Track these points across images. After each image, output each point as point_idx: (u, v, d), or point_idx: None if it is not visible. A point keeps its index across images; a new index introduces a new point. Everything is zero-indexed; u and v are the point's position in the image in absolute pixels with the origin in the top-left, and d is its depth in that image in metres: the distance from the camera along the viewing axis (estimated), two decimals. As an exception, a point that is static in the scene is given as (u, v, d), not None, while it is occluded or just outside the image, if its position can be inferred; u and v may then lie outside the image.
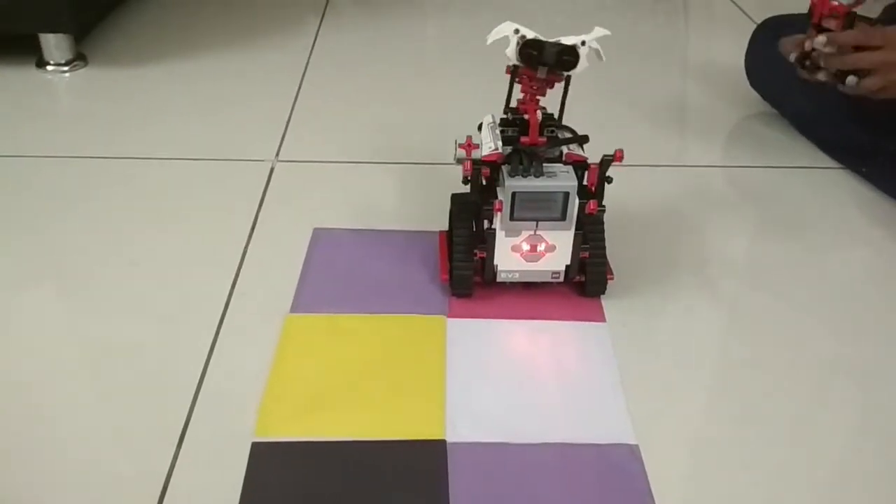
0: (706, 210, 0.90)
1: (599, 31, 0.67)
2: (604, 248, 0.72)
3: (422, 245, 0.82)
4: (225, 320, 0.72)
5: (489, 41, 0.67)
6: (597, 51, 0.67)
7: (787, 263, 0.82)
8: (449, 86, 1.16)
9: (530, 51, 0.66)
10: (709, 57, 1.31)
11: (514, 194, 0.67)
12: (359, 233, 0.84)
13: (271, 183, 0.93)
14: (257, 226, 0.85)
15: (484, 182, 0.71)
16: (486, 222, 0.70)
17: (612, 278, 0.74)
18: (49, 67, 1.19)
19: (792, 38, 0.88)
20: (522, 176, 0.67)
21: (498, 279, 0.73)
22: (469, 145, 0.70)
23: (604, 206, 0.69)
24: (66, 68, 1.20)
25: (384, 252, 0.81)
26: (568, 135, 0.72)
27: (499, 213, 0.68)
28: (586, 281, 0.74)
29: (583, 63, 0.67)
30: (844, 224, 0.89)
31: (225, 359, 0.68)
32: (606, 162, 0.69)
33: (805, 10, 0.90)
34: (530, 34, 0.66)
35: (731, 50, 1.19)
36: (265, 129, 1.04)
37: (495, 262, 0.72)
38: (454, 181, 0.73)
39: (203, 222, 0.85)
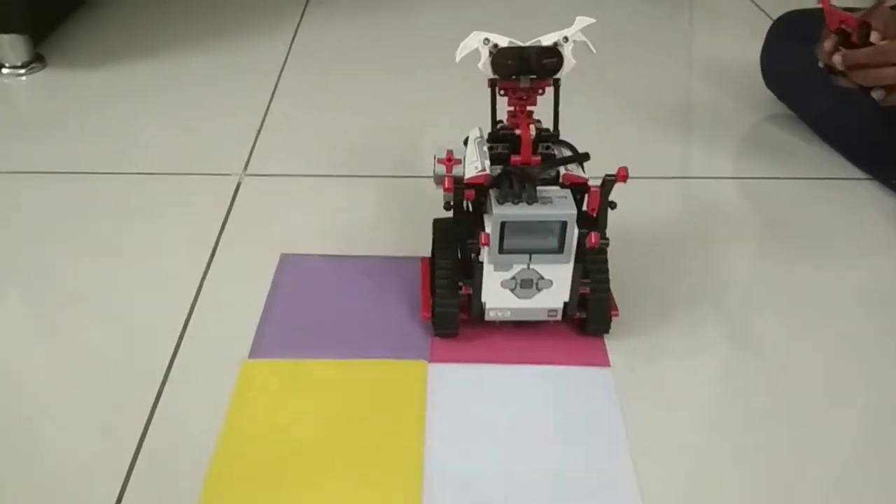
0: (718, 228, 0.79)
1: (583, 21, 0.57)
2: (607, 282, 0.62)
3: (402, 274, 0.71)
4: (173, 368, 0.62)
5: (458, 58, 0.58)
6: (584, 43, 0.58)
7: (814, 291, 0.71)
8: (437, 91, 1.05)
9: (505, 60, 0.57)
10: (718, 54, 1.20)
11: (503, 224, 0.57)
12: (331, 260, 0.74)
13: (237, 200, 0.82)
14: (217, 252, 0.75)
15: (469, 206, 0.61)
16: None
17: (616, 314, 0.64)
18: (4, 70, 1.09)
19: (829, 41, 0.78)
20: (513, 202, 0.57)
21: (486, 318, 0.63)
22: (450, 160, 0.60)
23: (607, 239, 0.59)
24: (22, 71, 1.09)
25: (359, 283, 0.71)
26: (566, 152, 0.62)
27: (485, 248, 0.59)
28: (588, 318, 0.64)
29: (569, 61, 0.58)
30: (874, 243, 0.78)
31: (169, 416, 0.58)
32: (609, 183, 0.59)
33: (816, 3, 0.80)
34: (502, 41, 0.57)
35: (744, 46, 1.09)
36: (234, 139, 0.93)
37: (483, 298, 0.62)
38: (441, 197, 0.63)
39: (158, 248, 0.75)
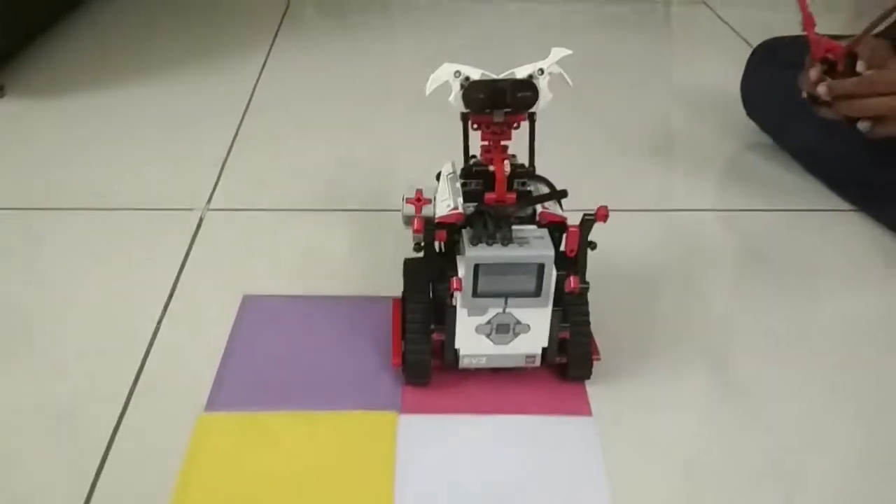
0: (701, 264, 0.76)
1: (559, 52, 0.55)
2: (588, 325, 0.59)
3: (373, 316, 0.67)
4: (122, 422, 0.58)
5: (428, 91, 0.55)
6: (560, 76, 0.55)
7: (802, 329, 0.68)
8: (411, 122, 1.01)
9: (477, 94, 0.54)
10: (697, 82, 1.17)
11: (476, 266, 0.54)
12: (297, 301, 0.70)
13: (198, 237, 0.78)
14: (175, 294, 0.70)
15: (441, 247, 0.57)
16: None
17: (598, 358, 0.61)
18: (-41, 100, 1.05)
19: (814, 70, 0.75)
20: (487, 243, 0.53)
21: (461, 365, 0.59)
22: (419, 199, 0.57)
23: (587, 283, 0.56)
24: (-23, 100, 1.05)
25: (326, 326, 0.66)
26: (543, 189, 0.59)
27: (458, 292, 0.55)
28: (568, 364, 0.60)
29: (545, 95, 0.55)
30: (861, 276, 0.75)
31: (117, 477, 0.53)
32: (588, 223, 0.55)
33: (800, 31, 0.78)
34: (475, 73, 0.54)
35: (723, 74, 1.06)
36: (197, 172, 0.89)
37: (457, 345, 0.58)
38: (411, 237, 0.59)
39: (111, 291, 0.70)
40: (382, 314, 0.67)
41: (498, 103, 0.55)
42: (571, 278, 0.54)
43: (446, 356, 0.59)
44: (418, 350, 0.58)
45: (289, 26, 1.33)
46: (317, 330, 0.66)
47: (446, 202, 0.57)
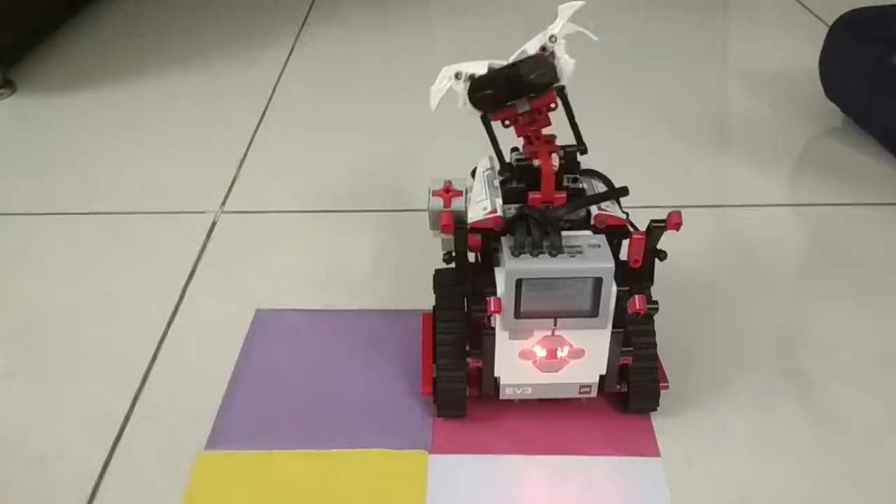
0: (777, 268, 0.65)
1: (569, 7, 0.45)
2: (654, 348, 0.49)
3: (400, 333, 0.58)
4: (112, 460, 0.50)
5: (433, 107, 0.47)
6: (580, 34, 0.46)
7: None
8: (444, 116, 0.92)
9: (484, 91, 0.46)
10: (763, 61, 1.05)
11: (519, 282, 0.45)
12: (315, 316, 0.61)
13: (209, 243, 0.70)
14: (181, 308, 0.63)
15: (476, 257, 0.48)
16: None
17: (665, 387, 0.51)
18: (-31, 97, 0.99)
19: None
20: (531, 253, 0.44)
21: (502, 396, 0.50)
22: (448, 191, 0.48)
23: (655, 303, 0.46)
24: (-12, 98, 0.99)
25: (347, 346, 0.58)
26: (598, 186, 0.49)
27: (497, 316, 0.46)
28: (630, 393, 0.50)
29: (566, 63, 0.45)
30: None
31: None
32: (657, 231, 0.45)
33: (883, 2, 0.67)
34: (479, 68, 0.46)
35: (792, 52, 0.95)
36: (212, 172, 0.81)
37: (497, 373, 0.49)
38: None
39: (111, 305, 0.63)
40: (412, 330, 0.58)
41: (513, 93, 0.46)
42: (636, 298, 0.45)
43: (485, 385, 0.50)
44: (451, 378, 0.49)
45: (317, 15, 1.25)
46: (336, 351, 0.58)
47: (482, 203, 0.47)
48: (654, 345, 0.49)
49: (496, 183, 0.49)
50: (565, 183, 0.48)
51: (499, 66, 0.46)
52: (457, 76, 0.46)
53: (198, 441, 0.51)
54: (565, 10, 0.45)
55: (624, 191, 0.48)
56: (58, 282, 0.66)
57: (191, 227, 0.72)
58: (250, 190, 0.78)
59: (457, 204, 0.49)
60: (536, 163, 0.47)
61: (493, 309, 0.44)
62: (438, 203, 0.49)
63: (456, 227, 0.45)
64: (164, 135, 0.90)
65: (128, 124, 0.92)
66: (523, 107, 0.47)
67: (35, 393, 0.55)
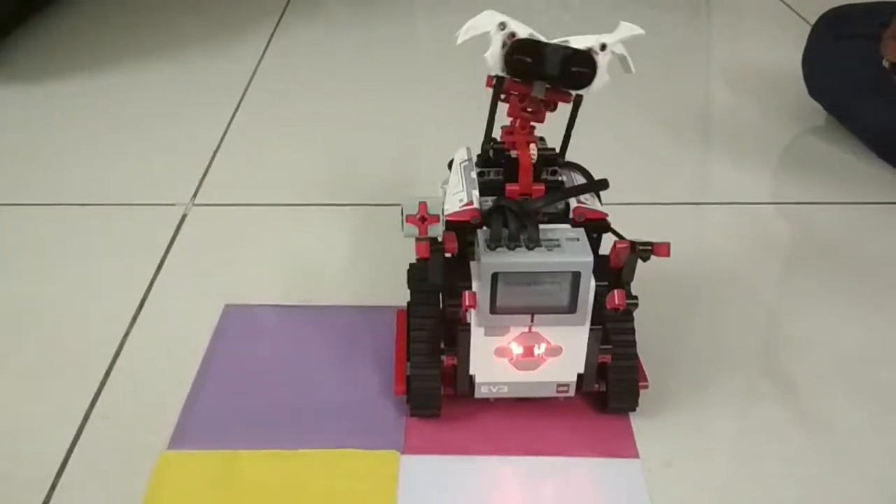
0: (763, 266, 0.64)
1: (628, 30, 0.44)
2: (634, 346, 0.48)
3: (375, 329, 0.56)
4: (71, 458, 0.48)
5: (460, 40, 0.44)
6: (622, 57, 0.44)
7: (891, 349, 0.57)
8: (425, 107, 0.90)
9: (523, 57, 0.43)
10: (745, 60, 1.04)
11: (495, 276, 0.43)
12: (286, 312, 0.59)
13: (178, 237, 0.68)
14: (147, 303, 0.60)
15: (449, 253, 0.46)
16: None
17: (645, 386, 0.49)
18: (-64, 86, 0.96)
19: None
20: (508, 246, 0.43)
21: (477, 395, 0.48)
22: (423, 218, 0.43)
23: (635, 298, 0.44)
24: (-45, 87, 0.96)
25: (318, 343, 0.56)
26: (577, 178, 0.47)
27: (472, 310, 0.44)
28: (609, 393, 0.49)
29: (602, 77, 0.44)
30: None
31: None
32: (642, 253, 0.44)
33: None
34: (523, 30, 0.43)
35: (777, 50, 0.94)
36: (185, 163, 0.79)
37: (472, 371, 0.47)
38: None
39: (75, 298, 0.60)
40: (387, 327, 0.56)
41: (544, 74, 0.43)
42: (615, 293, 0.43)
43: (459, 384, 0.48)
44: (425, 376, 0.47)
45: (295, 8, 1.23)
46: (308, 348, 0.56)
47: (458, 195, 0.46)
48: (634, 342, 0.48)
49: (473, 174, 0.47)
50: (544, 175, 0.46)
51: (542, 40, 0.43)
52: (501, 25, 0.43)
53: (160, 440, 0.48)
54: (624, 29, 0.44)
55: (604, 183, 0.46)
56: (20, 274, 0.64)
57: (160, 219, 0.70)
58: (223, 183, 0.76)
59: (433, 232, 0.44)
60: (514, 153, 0.45)
61: (468, 303, 0.43)
62: (413, 230, 0.44)
63: (432, 250, 0.43)
64: (135, 127, 0.87)
65: (98, 116, 0.89)
66: (540, 91, 0.44)
67: (-9, 389, 0.53)
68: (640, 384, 0.49)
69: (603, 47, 0.43)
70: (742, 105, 0.92)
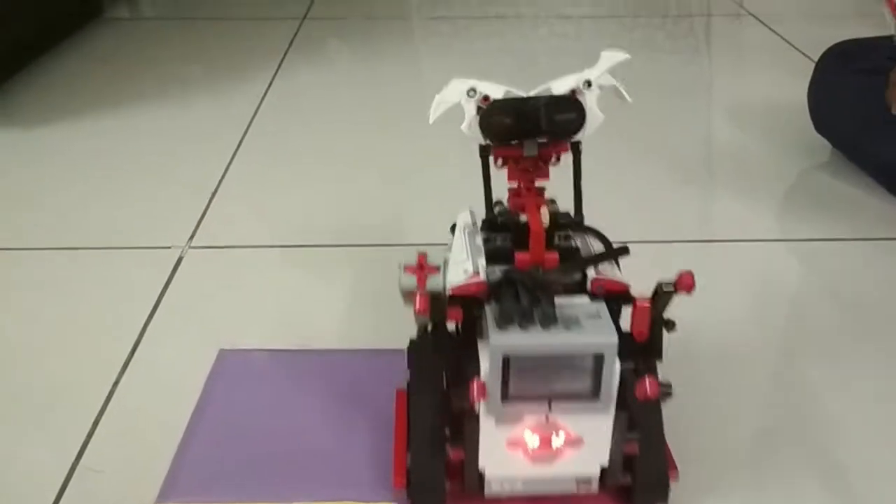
0: (783, 309, 0.61)
1: (612, 57, 0.41)
2: (662, 435, 0.42)
3: (372, 375, 0.54)
4: (54, 516, 0.46)
5: (432, 119, 0.41)
6: (613, 88, 0.42)
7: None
8: (428, 151, 0.86)
9: (501, 119, 0.40)
10: (749, 97, 1.02)
11: (507, 359, 0.37)
12: (283, 356, 0.56)
13: (174, 280, 0.66)
14: (140, 347, 0.58)
15: (456, 326, 0.42)
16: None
17: (675, 476, 0.44)
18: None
19: None
20: (520, 325, 0.37)
21: (487, 492, 0.42)
22: (422, 267, 0.41)
23: (669, 385, 0.39)
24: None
25: (315, 389, 0.53)
26: (592, 242, 0.43)
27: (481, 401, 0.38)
28: (635, 486, 0.42)
29: (594, 116, 0.41)
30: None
31: None
32: (665, 297, 0.39)
33: (869, 34, 0.66)
34: (495, 90, 0.41)
35: (782, 86, 0.94)
36: (183, 205, 0.77)
37: (481, 465, 0.41)
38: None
39: (67, 343, 0.58)
40: (386, 372, 0.54)
41: (530, 131, 0.40)
42: (647, 380, 0.37)
43: (468, 479, 0.42)
44: (426, 469, 0.42)
45: (298, 50, 1.23)
46: (304, 393, 0.53)
47: (463, 265, 0.41)
48: (661, 427, 0.42)
49: (478, 241, 0.42)
50: (556, 241, 0.42)
51: (520, 95, 0.40)
52: (470, 93, 0.40)
53: (148, 494, 0.46)
54: (608, 59, 0.41)
55: (624, 250, 0.41)
56: (10, 318, 0.62)
57: (156, 262, 0.68)
58: (220, 225, 0.74)
59: (433, 283, 0.41)
60: (524, 218, 0.41)
61: (476, 395, 0.37)
62: (411, 281, 0.41)
63: (433, 303, 0.39)
64: (132, 169, 0.86)
65: (95, 160, 0.88)
66: (532, 150, 0.41)
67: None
68: (671, 474, 0.43)
69: (588, 84, 0.40)
70: (747, 141, 0.90)
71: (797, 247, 0.71)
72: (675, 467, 0.44)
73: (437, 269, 0.40)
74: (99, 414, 0.52)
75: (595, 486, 0.42)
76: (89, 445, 0.50)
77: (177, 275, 0.67)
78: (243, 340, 0.59)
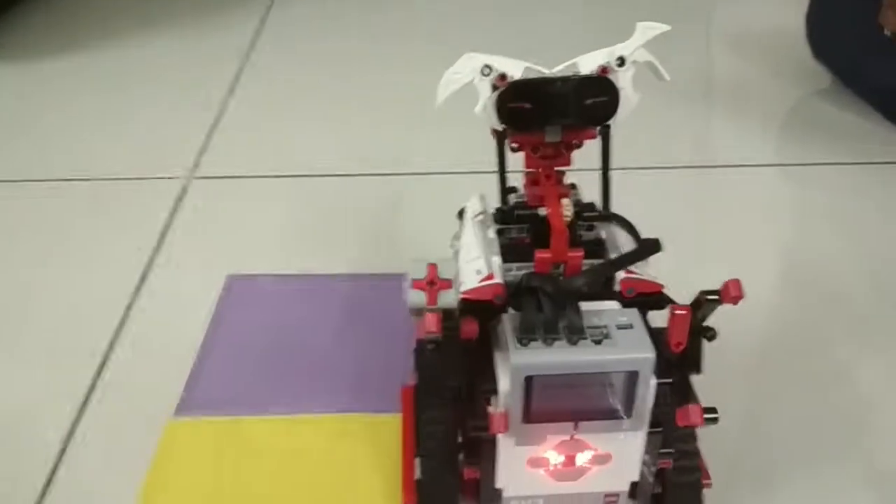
0: (785, 235, 0.63)
1: (649, 30, 0.36)
2: (698, 452, 0.38)
3: (377, 298, 0.55)
4: (77, 429, 0.48)
5: (440, 100, 0.36)
6: (649, 64, 0.37)
7: None
8: (438, 76, 0.86)
9: (520, 102, 0.35)
10: (744, 21, 0.98)
11: (529, 380, 0.33)
12: (289, 280, 0.58)
13: (179, 209, 0.67)
14: (149, 275, 0.59)
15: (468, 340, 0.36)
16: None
17: (709, 484, 0.39)
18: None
19: None
20: (543, 340, 0.33)
21: (505, 508, 0.38)
22: (433, 282, 0.35)
23: (715, 411, 0.34)
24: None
25: (322, 310, 0.55)
26: (615, 232, 0.38)
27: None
28: (665, 496, 0.39)
29: (628, 99, 0.36)
30: None
31: (71, 492, 0.44)
32: (708, 306, 0.34)
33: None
34: (514, 68, 0.35)
35: (778, 10, 0.93)
36: (184, 135, 0.76)
37: (499, 484, 0.37)
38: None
39: (76, 272, 0.60)
40: (389, 295, 0.55)
41: (554, 115, 0.35)
42: (690, 409, 0.33)
43: (483, 497, 0.37)
44: (438, 484, 0.38)
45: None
46: (311, 314, 0.54)
47: (475, 264, 0.36)
48: (695, 438, 0.37)
49: (491, 233, 0.37)
50: (578, 231, 0.37)
51: (543, 75, 0.35)
52: (484, 71, 0.35)
53: (167, 408, 0.48)
54: (644, 31, 0.35)
55: (655, 245, 0.36)
56: (18, 250, 0.62)
57: (160, 193, 0.69)
58: (223, 155, 0.74)
59: (444, 300, 0.35)
60: (543, 211, 0.36)
61: (496, 427, 0.32)
62: (420, 298, 0.34)
63: (445, 320, 0.34)
64: (132, 101, 0.84)
65: (92, 90, 0.85)
66: (554, 136, 0.36)
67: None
68: (704, 483, 0.39)
69: (621, 61, 0.35)
70: (745, 68, 0.89)
71: (795, 171, 0.72)
72: (708, 475, 0.40)
73: (448, 284, 0.34)
74: (113, 337, 0.54)
75: (623, 502, 0.38)
76: (106, 366, 0.52)
77: (182, 204, 0.68)
78: (249, 267, 0.60)
